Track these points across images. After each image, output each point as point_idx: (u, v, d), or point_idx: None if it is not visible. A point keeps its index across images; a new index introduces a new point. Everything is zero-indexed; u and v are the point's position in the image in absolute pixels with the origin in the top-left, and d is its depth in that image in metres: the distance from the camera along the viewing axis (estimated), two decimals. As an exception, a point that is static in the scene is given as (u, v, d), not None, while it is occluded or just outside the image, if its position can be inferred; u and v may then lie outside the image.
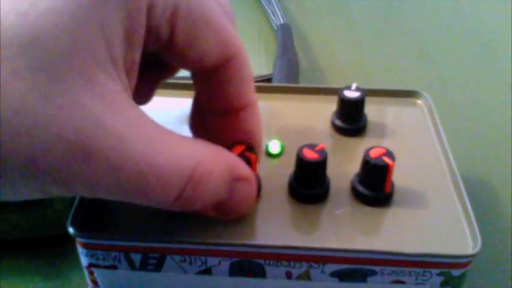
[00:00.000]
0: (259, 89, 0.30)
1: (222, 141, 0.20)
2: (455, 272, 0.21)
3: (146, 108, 0.29)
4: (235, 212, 0.21)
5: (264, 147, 0.26)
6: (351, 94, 0.26)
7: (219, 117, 0.22)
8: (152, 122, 0.17)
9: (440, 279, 0.21)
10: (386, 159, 0.22)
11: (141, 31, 0.17)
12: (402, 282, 0.21)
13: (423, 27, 0.51)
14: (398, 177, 0.23)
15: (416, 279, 0.21)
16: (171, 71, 0.23)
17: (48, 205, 0.26)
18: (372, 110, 0.28)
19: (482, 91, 0.41)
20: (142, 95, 0.22)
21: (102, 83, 0.16)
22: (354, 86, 0.27)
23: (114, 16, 0.16)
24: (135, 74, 0.18)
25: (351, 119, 0.27)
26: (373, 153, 0.22)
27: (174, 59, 0.20)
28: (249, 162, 0.21)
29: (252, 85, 0.21)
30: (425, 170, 0.25)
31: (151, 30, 0.18)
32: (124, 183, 0.16)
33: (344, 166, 0.24)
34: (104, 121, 0.15)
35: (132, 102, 0.17)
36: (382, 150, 0.22)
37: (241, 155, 0.21)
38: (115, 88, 0.16)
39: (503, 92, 0.41)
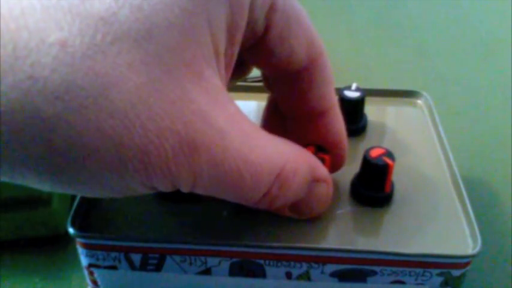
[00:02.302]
0: (259, 89, 0.30)
1: (301, 143, 0.21)
2: (455, 272, 0.21)
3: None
4: (310, 211, 0.21)
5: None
6: (351, 94, 0.26)
7: (300, 120, 0.22)
8: (247, 118, 0.18)
9: (440, 279, 0.21)
10: (387, 159, 0.22)
11: (243, 25, 0.17)
12: (402, 283, 0.21)
13: (423, 27, 0.51)
14: (399, 177, 0.23)
15: (416, 279, 0.21)
16: (245, 72, 0.23)
17: (48, 205, 0.26)
18: (372, 110, 0.28)
19: (482, 91, 0.41)
20: None
21: (208, 78, 0.16)
22: (354, 86, 0.27)
23: (219, 10, 0.16)
24: (231, 68, 0.18)
25: (351, 119, 0.27)
26: (373, 153, 0.22)
27: (263, 55, 0.20)
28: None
29: (333, 87, 0.21)
30: (425, 170, 0.25)
31: (249, 24, 0.18)
32: (222, 178, 0.16)
33: (344, 166, 0.24)
34: (209, 116, 0.16)
35: (230, 98, 0.17)
36: (382, 150, 0.22)
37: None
38: (218, 83, 0.16)
39: (503, 92, 0.41)
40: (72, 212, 0.22)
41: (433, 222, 0.22)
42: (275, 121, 0.23)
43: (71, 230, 0.21)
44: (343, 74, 0.42)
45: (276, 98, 0.23)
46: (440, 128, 0.27)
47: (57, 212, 0.26)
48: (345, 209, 0.23)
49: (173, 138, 0.15)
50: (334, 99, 0.22)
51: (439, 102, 0.29)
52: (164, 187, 0.16)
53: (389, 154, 0.22)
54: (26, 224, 0.26)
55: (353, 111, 0.27)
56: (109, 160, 0.14)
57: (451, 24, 0.51)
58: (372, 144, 0.23)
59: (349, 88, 0.27)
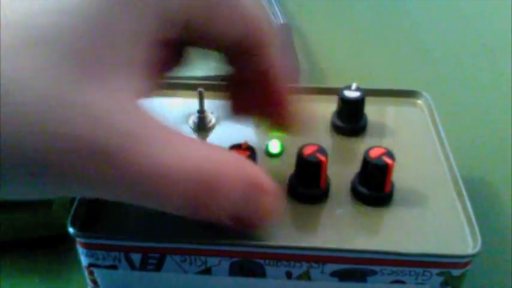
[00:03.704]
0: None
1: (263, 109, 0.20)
2: (455, 272, 0.21)
3: (149, 108, 0.29)
4: (254, 224, 0.20)
5: (263, 147, 0.26)
6: (351, 94, 0.26)
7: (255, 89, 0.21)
8: (162, 123, 0.17)
9: (440, 279, 0.21)
10: (386, 159, 0.22)
11: (156, 28, 0.17)
12: (402, 282, 0.21)
13: (423, 27, 0.51)
14: (398, 177, 0.23)
15: (416, 279, 0.21)
16: (178, 62, 0.22)
17: (48, 205, 0.26)
18: (372, 110, 0.28)
19: (482, 91, 0.41)
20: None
21: (119, 84, 0.16)
22: (354, 86, 0.27)
23: (131, 15, 0.16)
24: (149, 73, 0.18)
25: (351, 119, 0.27)
26: (373, 153, 0.22)
27: (195, 40, 0.19)
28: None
29: (277, 50, 0.21)
30: (425, 170, 0.25)
31: (166, 22, 0.17)
32: (137, 185, 0.16)
33: (344, 166, 0.24)
34: (115, 121, 0.15)
35: (146, 104, 0.17)
36: (382, 150, 0.22)
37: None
38: (130, 89, 0.16)
39: (503, 92, 0.41)
40: (72, 212, 0.22)
41: (433, 222, 0.22)
42: (243, 105, 0.23)
43: (71, 230, 0.21)
44: (343, 74, 0.42)
45: (237, 74, 0.22)
46: (440, 128, 0.27)
47: (58, 212, 0.26)
48: (345, 209, 0.23)
49: (75, 143, 0.15)
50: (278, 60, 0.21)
51: (439, 102, 0.29)
52: (72, 193, 0.16)
53: (389, 154, 0.22)
54: (26, 224, 0.26)
55: (353, 111, 0.27)
56: (14, 166, 0.14)
57: (451, 24, 0.51)
58: (372, 144, 0.23)
59: (349, 88, 0.27)
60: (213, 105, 0.28)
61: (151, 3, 0.17)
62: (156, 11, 0.17)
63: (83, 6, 0.15)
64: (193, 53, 0.21)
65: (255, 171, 0.19)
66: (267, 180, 0.19)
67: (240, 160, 0.19)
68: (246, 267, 0.22)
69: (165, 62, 0.20)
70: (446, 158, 0.25)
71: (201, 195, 0.17)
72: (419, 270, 0.21)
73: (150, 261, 0.22)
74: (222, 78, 0.23)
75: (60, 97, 0.14)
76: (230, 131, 0.27)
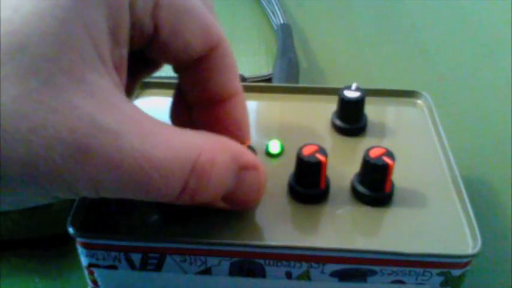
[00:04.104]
0: (259, 89, 0.30)
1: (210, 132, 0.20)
2: (455, 272, 0.21)
3: (149, 108, 0.29)
4: (245, 201, 0.21)
5: (263, 147, 0.26)
6: (351, 94, 0.26)
7: (204, 108, 0.21)
8: (148, 116, 0.17)
9: (440, 279, 0.21)
10: (387, 159, 0.22)
11: (126, 26, 0.17)
12: (402, 282, 0.21)
13: (423, 27, 0.51)
14: (399, 177, 0.23)
15: (416, 279, 0.21)
16: (153, 67, 0.23)
17: (48, 205, 0.26)
18: (372, 110, 0.28)
19: (482, 91, 0.41)
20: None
21: (93, 82, 0.16)
22: (354, 86, 0.27)
23: (97, 14, 0.16)
24: (124, 69, 0.18)
25: (351, 119, 0.27)
26: (373, 153, 0.22)
27: (158, 52, 0.19)
28: None
29: (237, 74, 0.21)
30: (425, 170, 0.25)
31: (135, 25, 0.18)
32: (126, 180, 0.16)
33: (344, 166, 0.24)
34: (98, 119, 0.15)
35: (125, 98, 0.17)
36: (382, 150, 0.22)
37: None
38: (106, 85, 0.16)
39: (503, 92, 0.41)
40: (72, 212, 0.22)
41: (433, 222, 0.22)
42: (183, 113, 0.23)
43: (71, 230, 0.21)
44: (343, 74, 0.42)
45: (181, 87, 0.22)
46: (440, 128, 0.27)
47: (57, 212, 0.26)
48: (345, 209, 0.23)
49: (60, 146, 0.15)
50: (238, 86, 0.21)
51: (439, 102, 0.29)
52: (65, 196, 0.16)
53: (389, 154, 0.22)
54: (26, 224, 0.26)
55: (353, 111, 0.27)
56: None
57: (451, 24, 0.51)
58: (372, 144, 0.23)
59: (349, 88, 0.27)
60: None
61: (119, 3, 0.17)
62: (125, 10, 0.17)
63: (41, 10, 0.15)
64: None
65: (241, 150, 0.20)
66: (251, 156, 0.20)
67: (225, 141, 0.19)
68: (246, 267, 0.22)
69: (135, 66, 0.20)
70: (446, 158, 0.25)
71: (193, 182, 0.17)
72: (419, 270, 0.21)
73: (150, 261, 0.22)
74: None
75: (35, 103, 0.14)
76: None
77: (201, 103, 0.22)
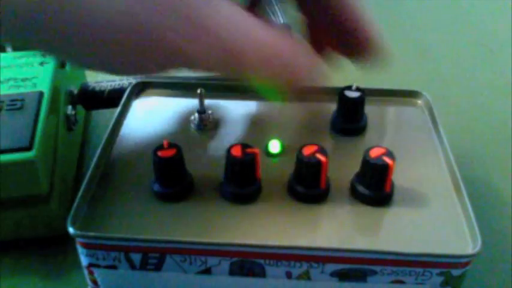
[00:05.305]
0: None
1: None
2: (455, 272, 0.21)
3: (149, 108, 0.29)
4: (297, 82, 0.22)
5: (263, 147, 0.26)
6: (351, 94, 0.26)
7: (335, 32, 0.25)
8: (249, 14, 0.20)
9: (440, 279, 0.21)
10: (387, 159, 0.22)
11: None
12: (402, 282, 0.21)
13: (423, 27, 0.51)
14: (399, 177, 0.23)
15: (416, 279, 0.21)
16: None
17: (48, 205, 0.26)
18: (372, 110, 0.28)
19: (482, 91, 0.41)
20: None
21: None
22: (354, 86, 0.27)
23: None
24: None
25: (351, 119, 0.27)
26: (373, 153, 0.22)
27: None
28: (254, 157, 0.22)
29: None
30: (425, 170, 0.25)
31: None
32: (228, 54, 0.19)
33: (344, 166, 0.24)
34: (218, 5, 0.19)
35: (242, 6, 0.20)
36: (382, 150, 0.22)
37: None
38: None
39: (503, 92, 0.41)
40: (72, 212, 0.22)
41: (433, 222, 0.22)
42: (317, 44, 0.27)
43: (71, 230, 0.21)
44: (343, 74, 0.42)
45: (310, 22, 0.27)
46: (440, 128, 0.27)
47: (57, 211, 0.26)
48: (345, 209, 0.23)
49: (185, 21, 0.18)
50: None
51: (439, 102, 0.29)
52: (180, 64, 0.19)
53: (389, 154, 0.22)
54: (26, 224, 0.26)
55: (353, 111, 0.27)
56: (132, 39, 0.18)
57: (451, 24, 0.51)
58: (372, 144, 0.23)
59: (349, 88, 0.27)
60: (213, 105, 0.28)
61: None
62: None
63: None
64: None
65: (293, 43, 0.22)
66: (302, 46, 0.23)
67: (284, 37, 0.22)
68: (246, 267, 0.22)
69: None
70: (446, 158, 0.25)
71: (273, 63, 0.21)
72: (419, 270, 0.21)
73: (150, 261, 0.22)
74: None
75: None
76: (230, 131, 0.27)
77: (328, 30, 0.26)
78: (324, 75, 0.23)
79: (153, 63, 0.20)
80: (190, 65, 0.20)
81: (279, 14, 0.47)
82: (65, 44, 0.18)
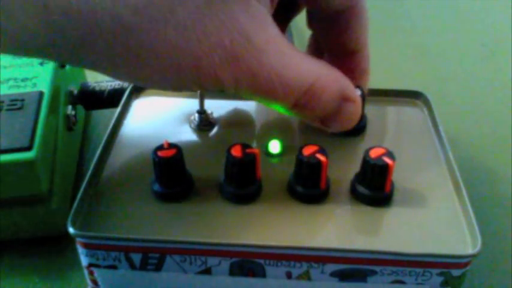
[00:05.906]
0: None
1: None
2: (455, 272, 0.21)
3: (149, 108, 0.29)
4: (338, 127, 0.23)
5: (263, 147, 0.26)
6: (351, 94, 0.26)
7: (335, 56, 0.26)
8: (285, 40, 0.21)
9: (440, 279, 0.21)
10: (387, 159, 0.22)
11: None
12: (402, 282, 0.21)
13: (423, 27, 0.51)
14: (399, 177, 0.23)
15: (416, 279, 0.21)
16: (297, 10, 0.27)
17: (48, 205, 0.26)
18: (372, 110, 0.28)
19: (482, 91, 0.41)
20: None
21: (254, 6, 0.19)
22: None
23: None
24: (276, 1, 0.22)
25: (351, 119, 0.27)
26: (373, 153, 0.22)
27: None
28: (255, 157, 0.22)
29: (368, 31, 0.26)
30: (425, 170, 0.25)
31: None
32: (258, 87, 0.20)
33: (344, 166, 0.24)
34: (252, 36, 0.19)
35: (273, 23, 0.20)
36: (382, 150, 0.22)
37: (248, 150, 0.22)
38: (262, 10, 0.20)
39: (503, 92, 0.41)
40: (72, 212, 0.22)
41: (433, 222, 0.22)
42: (316, 55, 0.27)
43: (71, 230, 0.21)
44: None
45: (316, 36, 0.27)
46: (440, 128, 0.27)
47: (57, 211, 0.26)
48: (345, 209, 0.23)
49: (220, 50, 0.19)
50: (366, 42, 0.26)
51: (439, 102, 0.29)
52: (212, 87, 0.20)
53: (389, 154, 0.22)
54: (26, 224, 0.26)
55: (353, 111, 0.27)
56: (170, 62, 0.19)
57: (451, 24, 0.51)
58: (372, 144, 0.23)
59: (349, 88, 0.27)
60: (213, 105, 0.28)
61: None
62: None
63: None
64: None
65: (346, 83, 0.22)
66: (353, 91, 0.23)
67: (337, 73, 0.22)
68: (246, 267, 0.22)
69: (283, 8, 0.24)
70: (446, 158, 0.25)
71: (304, 100, 0.21)
72: (419, 270, 0.21)
73: (150, 261, 0.22)
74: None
75: (208, 16, 0.18)
76: (230, 131, 0.27)
77: (333, 51, 0.26)
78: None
79: (198, 87, 0.20)
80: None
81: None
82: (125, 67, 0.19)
